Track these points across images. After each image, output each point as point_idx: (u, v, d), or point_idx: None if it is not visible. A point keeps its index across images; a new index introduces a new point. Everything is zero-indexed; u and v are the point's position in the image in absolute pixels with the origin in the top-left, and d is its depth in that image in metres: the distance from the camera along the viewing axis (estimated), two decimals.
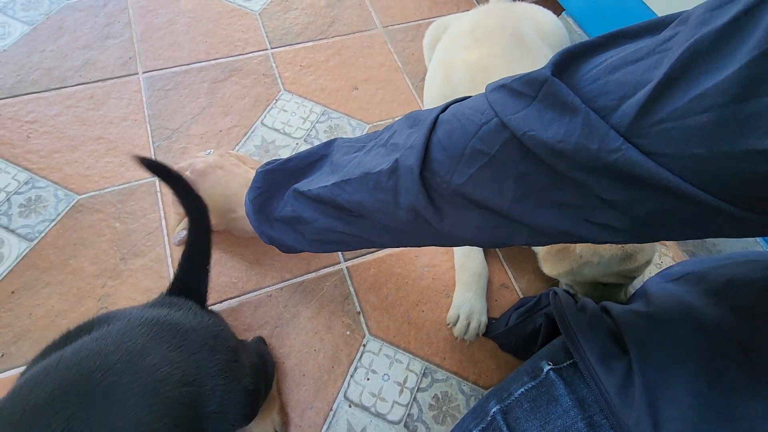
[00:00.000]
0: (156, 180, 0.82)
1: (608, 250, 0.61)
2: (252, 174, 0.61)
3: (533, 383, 0.51)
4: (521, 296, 0.79)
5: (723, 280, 0.46)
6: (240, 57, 1.00)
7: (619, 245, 0.61)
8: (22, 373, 0.42)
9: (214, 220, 0.62)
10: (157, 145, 0.86)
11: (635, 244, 0.62)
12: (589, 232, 0.36)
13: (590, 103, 0.31)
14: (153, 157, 0.84)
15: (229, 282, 0.75)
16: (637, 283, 0.76)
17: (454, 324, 0.73)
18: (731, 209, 0.28)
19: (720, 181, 0.27)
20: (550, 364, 0.51)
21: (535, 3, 1.02)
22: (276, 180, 0.57)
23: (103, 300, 0.71)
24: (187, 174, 0.68)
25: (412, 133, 0.43)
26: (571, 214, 0.35)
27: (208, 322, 0.51)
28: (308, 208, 0.54)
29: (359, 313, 0.75)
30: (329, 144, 0.57)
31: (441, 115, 0.42)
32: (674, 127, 0.27)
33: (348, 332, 0.73)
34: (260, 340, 0.68)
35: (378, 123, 0.94)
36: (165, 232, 0.78)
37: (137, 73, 0.94)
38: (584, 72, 0.33)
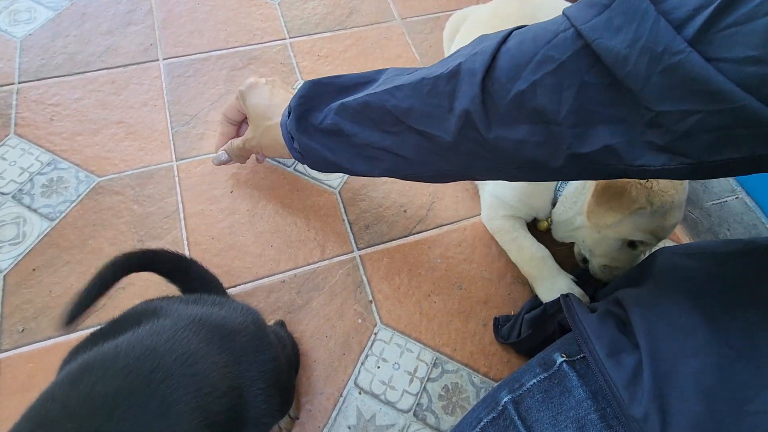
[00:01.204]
0: (174, 165, 0.84)
1: (659, 198, 0.60)
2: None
3: (546, 374, 0.51)
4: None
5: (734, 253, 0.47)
6: (259, 46, 1.00)
7: (668, 195, 0.60)
8: (69, 357, 0.43)
9: (249, 133, 0.71)
10: (176, 131, 0.87)
11: (678, 199, 0.61)
12: (634, 152, 0.36)
13: (666, 15, 0.32)
14: (171, 142, 0.85)
15: (243, 267, 0.75)
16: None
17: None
18: None
19: None
20: (563, 356, 0.51)
21: None
22: (322, 92, 0.58)
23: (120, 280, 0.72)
24: (240, 88, 0.72)
25: (479, 43, 0.45)
26: (621, 132, 0.36)
27: (249, 320, 0.50)
28: (350, 120, 0.54)
29: (371, 301, 0.75)
30: (381, 71, 0.58)
31: (515, 30, 0.44)
32: (738, 31, 0.28)
33: (360, 320, 0.73)
34: (282, 325, 0.69)
35: None
36: (182, 216, 0.79)
37: (158, 60, 0.95)
38: None
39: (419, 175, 0.56)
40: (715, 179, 0.77)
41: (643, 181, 0.60)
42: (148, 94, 0.91)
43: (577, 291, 0.70)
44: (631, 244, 0.66)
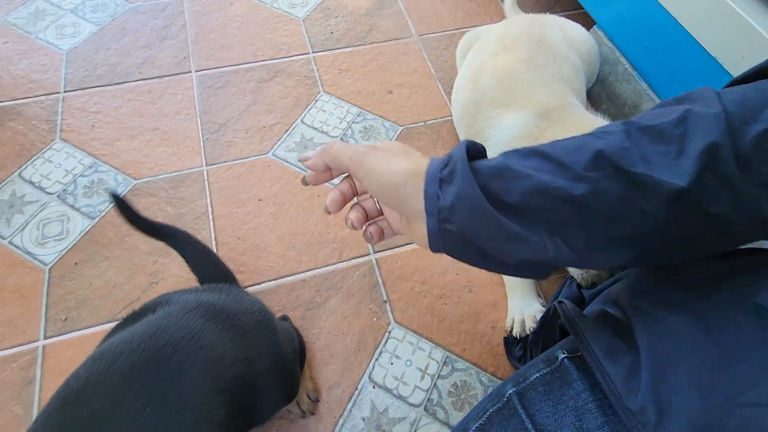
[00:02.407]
0: (204, 170, 0.90)
1: None
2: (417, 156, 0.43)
3: (548, 369, 0.54)
4: (543, 300, 0.82)
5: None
6: (284, 59, 1.07)
7: None
8: (101, 343, 0.48)
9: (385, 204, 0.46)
10: (206, 138, 0.93)
11: None
12: None
13: None
14: (202, 149, 0.91)
15: (267, 266, 0.81)
16: None
17: (512, 329, 0.75)
18: None
19: None
20: (564, 353, 0.54)
21: (567, 17, 1.06)
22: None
23: (153, 275, 0.78)
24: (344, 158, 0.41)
25: (690, 102, 0.37)
26: None
27: (253, 308, 0.55)
28: (522, 157, 0.40)
29: (386, 301, 0.79)
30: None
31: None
32: None
33: (375, 319, 0.78)
34: (286, 319, 0.74)
35: (411, 126, 1.00)
36: (211, 217, 0.85)
37: (190, 72, 1.02)
38: None
39: (605, 250, 0.39)
40: None
41: None
42: (182, 103, 0.98)
43: (536, 309, 0.75)
44: None
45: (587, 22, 1.03)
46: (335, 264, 0.82)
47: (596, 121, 0.79)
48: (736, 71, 0.73)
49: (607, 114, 1.02)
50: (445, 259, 0.85)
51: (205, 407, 0.41)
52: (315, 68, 1.06)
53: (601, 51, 1.01)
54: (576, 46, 0.93)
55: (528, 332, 0.73)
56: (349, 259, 0.83)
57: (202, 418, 0.41)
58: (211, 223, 0.84)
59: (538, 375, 0.54)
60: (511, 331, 0.76)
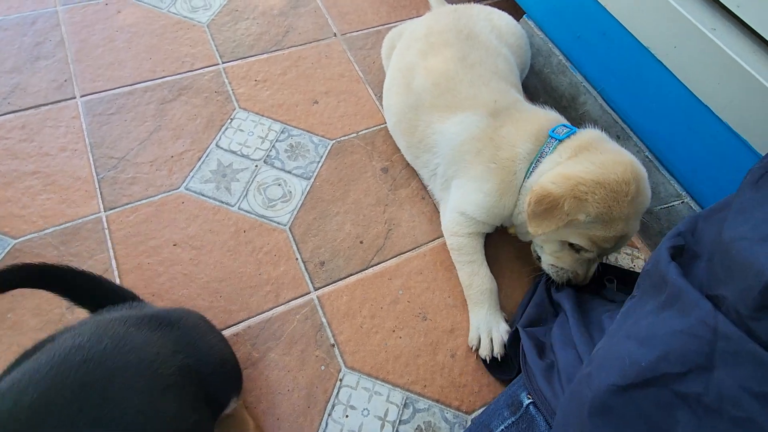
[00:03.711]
0: (103, 216, 0.76)
1: (595, 208, 0.60)
2: None
3: (513, 418, 0.50)
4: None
5: None
6: (189, 74, 0.93)
7: (605, 207, 0.60)
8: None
9: None
10: (102, 177, 0.79)
11: (625, 212, 0.61)
12: None
13: None
14: (97, 191, 0.77)
15: None
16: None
17: (477, 345, 0.71)
18: None
19: None
20: (529, 397, 0.50)
21: (496, 4, 1.00)
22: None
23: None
24: None
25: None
26: None
27: (181, 312, 0.55)
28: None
29: (333, 345, 0.71)
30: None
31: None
32: None
33: (323, 367, 0.69)
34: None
35: (342, 138, 0.90)
36: (116, 273, 0.71)
37: (74, 97, 0.86)
38: None
39: None
40: (662, 185, 0.79)
41: (578, 194, 0.60)
42: (66, 137, 0.82)
43: (503, 329, 0.72)
44: (573, 246, 0.67)
45: (517, 11, 0.98)
46: (271, 309, 0.72)
47: (547, 114, 0.74)
48: (670, 62, 0.71)
49: (546, 107, 0.98)
50: (395, 284, 0.77)
51: (149, 405, 0.41)
52: (227, 81, 0.94)
53: (534, 42, 0.96)
54: (506, 38, 0.88)
55: (497, 356, 0.70)
56: (287, 302, 0.73)
57: (151, 417, 0.40)
58: (117, 280, 0.71)
59: (503, 426, 0.49)
60: (476, 350, 0.71)
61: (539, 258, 0.74)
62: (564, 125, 0.70)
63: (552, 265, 0.70)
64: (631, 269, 0.83)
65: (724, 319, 0.32)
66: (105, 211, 0.76)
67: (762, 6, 0.61)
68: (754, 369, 0.30)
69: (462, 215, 0.76)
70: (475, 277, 0.75)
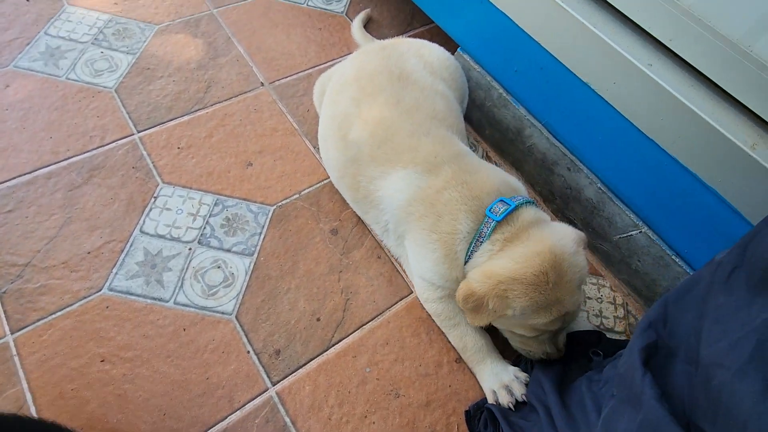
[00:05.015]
0: (10, 340, 0.64)
1: (519, 303, 0.59)
2: None
3: None
4: None
5: None
6: (99, 150, 0.82)
7: (528, 300, 0.59)
8: None
9: None
10: (4, 292, 0.68)
11: (554, 297, 0.60)
12: None
13: None
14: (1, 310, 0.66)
15: None
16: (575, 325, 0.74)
17: (498, 400, 0.67)
18: None
19: None
20: None
21: (427, 33, 0.96)
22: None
23: None
24: None
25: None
26: None
27: None
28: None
29: None
30: None
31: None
32: None
33: None
34: None
35: (284, 202, 0.83)
36: (33, 410, 0.61)
37: None
38: None
39: None
40: (617, 215, 0.77)
41: (500, 292, 0.59)
42: None
43: (522, 376, 0.69)
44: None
45: (451, 43, 0.94)
46: (227, 418, 0.64)
47: (489, 177, 0.69)
48: (611, 97, 0.69)
49: (492, 140, 0.95)
50: (360, 362, 0.71)
51: None
52: (145, 153, 0.84)
53: (471, 76, 0.93)
54: (439, 72, 0.84)
55: (522, 398, 0.67)
56: (243, 405, 0.65)
57: None
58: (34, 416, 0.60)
59: None
60: (497, 403, 0.68)
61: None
62: (502, 199, 0.65)
63: (520, 347, 0.69)
64: (599, 299, 0.82)
65: None
66: (12, 334, 0.65)
67: (695, 38, 0.60)
68: None
69: (424, 281, 0.72)
70: (466, 338, 0.71)
